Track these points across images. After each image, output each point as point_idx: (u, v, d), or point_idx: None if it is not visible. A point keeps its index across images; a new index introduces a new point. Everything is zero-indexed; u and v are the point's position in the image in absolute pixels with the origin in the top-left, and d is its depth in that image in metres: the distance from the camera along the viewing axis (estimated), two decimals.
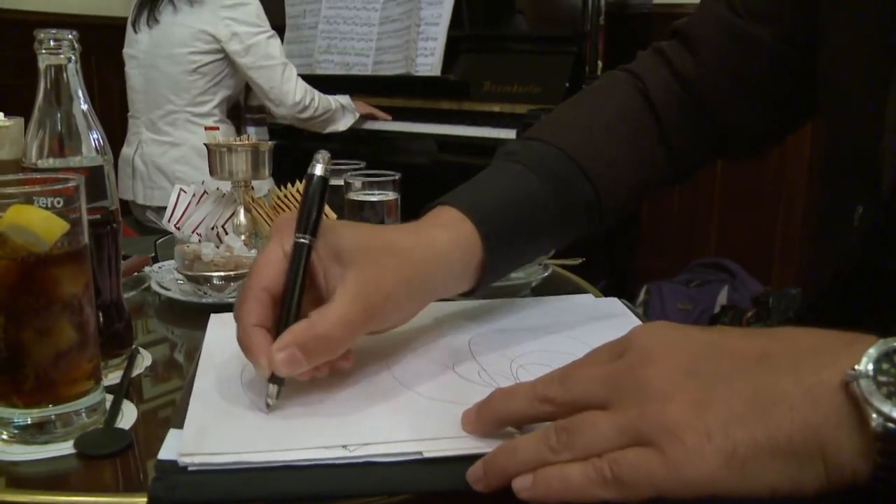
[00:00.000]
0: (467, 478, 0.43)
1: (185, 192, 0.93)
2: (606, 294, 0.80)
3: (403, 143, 2.38)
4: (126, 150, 2.11)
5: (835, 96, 0.64)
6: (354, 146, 2.32)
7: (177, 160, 2.00)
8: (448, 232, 0.60)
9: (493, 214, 0.62)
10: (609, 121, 0.71)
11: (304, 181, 0.55)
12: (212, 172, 0.90)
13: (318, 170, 0.55)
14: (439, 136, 2.30)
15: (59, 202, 0.49)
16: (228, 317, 0.66)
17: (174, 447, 0.46)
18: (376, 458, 0.46)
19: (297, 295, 0.53)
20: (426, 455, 0.46)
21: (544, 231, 0.66)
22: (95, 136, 0.60)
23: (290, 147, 2.26)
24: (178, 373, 0.67)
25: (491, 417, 0.47)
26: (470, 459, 0.44)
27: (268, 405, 0.51)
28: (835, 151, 0.66)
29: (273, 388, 0.51)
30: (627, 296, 2.62)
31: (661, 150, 0.73)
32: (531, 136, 0.71)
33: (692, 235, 2.67)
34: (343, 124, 2.25)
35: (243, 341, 0.51)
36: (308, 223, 0.54)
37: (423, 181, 2.22)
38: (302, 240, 0.53)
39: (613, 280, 2.55)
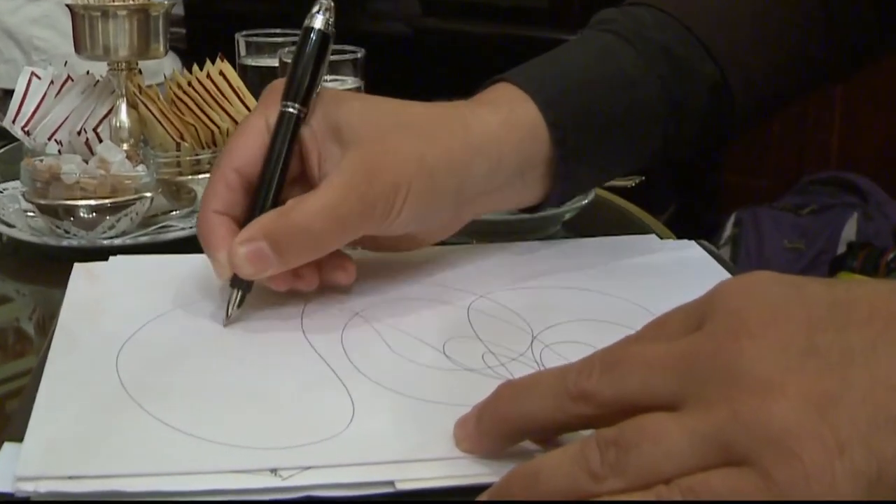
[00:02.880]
0: None
1: (38, 77, 0.91)
2: (675, 229, 0.80)
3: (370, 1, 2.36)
4: None
5: None
6: (291, 5, 2.30)
7: (35, 21, 1.98)
8: (499, 113, 0.64)
9: (568, 96, 0.66)
10: None
11: (300, 36, 0.61)
12: (78, 48, 0.90)
13: (318, 22, 0.61)
14: None
15: None
16: (101, 267, 0.69)
17: (9, 470, 0.45)
18: (323, 492, 0.45)
19: (276, 177, 0.59)
20: (400, 487, 0.46)
21: (647, 125, 0.70)
22: None
23: (200, 7, 2.24)
24: (27, 351, 0.67)
25: (497, 426, 0.46)
26: (468, 493, 0.44)
27: (227, 315, 0.58)
28: None
29: (235, 295, 0.58)
30: (707, 229, 2.67)
31: (820, 24, 0.75)
32: (635, 1, 0.75)
33: (804, 141, 2.66)
34: None
35: (201, 230, 0.59)
36: (299, 89, 0.60)
37: (401, 60, 2.23)
38: (289, 109, 0.60)
39: (685, 207, 2.57)
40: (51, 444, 0.47)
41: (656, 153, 0.73)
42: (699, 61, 0.71)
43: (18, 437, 0.48)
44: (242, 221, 0.59)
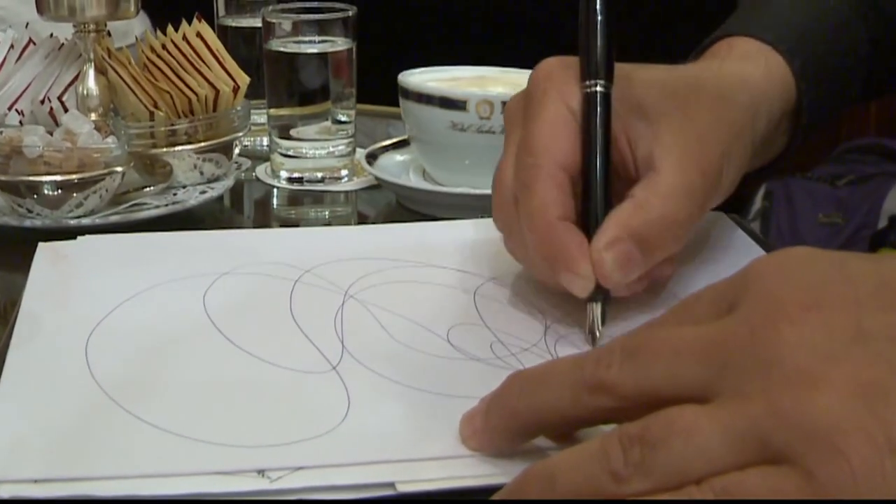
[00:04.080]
0: None
1: None
2: None
3: None
4: None
5: None
6: None
7: None
8: (759, 67, 0.68)
9: (802, 43, 0.71)
10: None
11: (582, 6, 0.61)
12: (41, 9, 0.90)
13: None
14: None
15: None
16: (68, 247, 0.69)
17: None
18: (315, 494, 0.45)
19: (605, 167, 0.58)
20: (401, 489, 0.45)
21: (855, 67, 0.76)
22: None
23: None
24: None
25: (507, 422, 0.46)
26: (475, 495, 0.45)
27: (593, 336, 0.57)
28: None
29: (597, 309, 0.57)
30: (735, 202, 2.67)
31: None
32: None
33: None
34: None
35: (550, 245, 0.56)
36: (601, 63, 0.60)
37: (396, 15, 2.22)
38: (598, 87, 0.59)
39: None
40: (14, 445, 0.47)
41: (859, 95, 0.79)
42: (890, 6, 0.77)
43: None
44: (582, 224, 0.57)
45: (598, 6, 0.62)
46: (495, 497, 0.42)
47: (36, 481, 0.45)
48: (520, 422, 0.46)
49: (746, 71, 0.67)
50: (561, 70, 0.61)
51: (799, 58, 0.69)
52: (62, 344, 0.56)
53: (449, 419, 0.48)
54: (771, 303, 0.41)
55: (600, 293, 0.57)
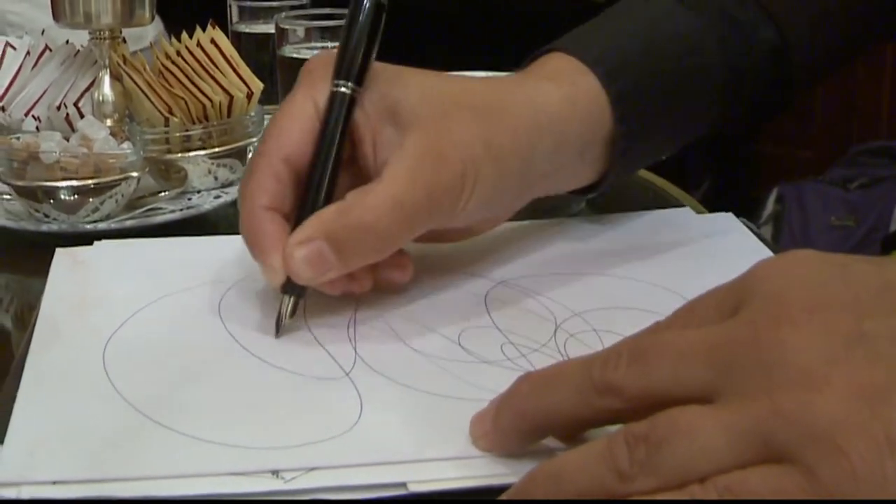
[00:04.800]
0: None
1: (13, 48, 0.92)
2: (711, 206, 0.80)
3: None
4: None
5: None
6: None
7: None
8: (561, 87, 0.64)
9: (628, 66, 0.67)
10: None
11: (350, 6, 0.61)
12: (57, 16, 0.90)
13: None
14: None
15: None
16: (86, 252, 0.70)
17: None
18: (329, 494, 0.46)
19: (330, 166, 0.58)
20: (413, 489, 0.46)
21: (706, 93, 0.71)
22: None
23: None
24: (3, 347, 0.67)
25: (517, 423, 0.47)
26: (485, 494, 0.45)
27: (277, 326, 0.58)
28: None
29: (287, 302, 0.58)
30: (748, 206, 2.67)
31: None
32: None
33: (851, 107, 2.66)
34: None
35: (248, 230, 0.58)
36: (352, 65, 0.59)
37: (410, 23, 2.23)
38: (343, 88, 0.59)
39: (722, 182, 2.57)
40: (34, 447, 0.48)
41: (713, 123, 0.75)
42: (759, 24, 0.73)
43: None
44: (294, 218, 0.58)
45: (363, 10, 0.60)
46: (503, 496, 0.43)
47: (55, 483, 0.45)
48: (529, 423, 0.47)
49: (542, 91, 0.64)
50: (322, 66, 0.61)
51: (618, 83, 0.66)
52: (80, 349, 0.57)
53: (460, 421, 0.49)
54: (774, 305, 0.41)
55: (294, 287, 0.57)
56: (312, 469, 0.47)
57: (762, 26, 0.73)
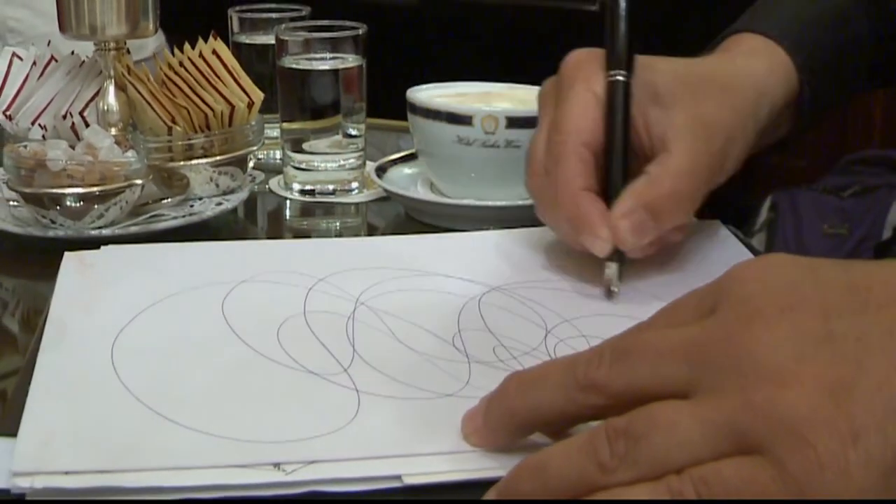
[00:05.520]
0: None
1: (19, 58, 0.93)
2: (705, 213, 0.80)
3: None
4: None
5: None
6: None
7: (8, 1, 1.99)
8: (763, 61, 0.75)
9: (805, 38, 0.78)
10: None
11: (609, 6, 0.70)
12: (63, 27, 0.90)
13: None
14: None
15: None
16: (93, 256, 0.71)
17: (4, 466, 0.48)
18: (328, 486, 0.47)
19: (623, 146, 0.67)
20: (407, 482, 0.48)
21: (859, 60, 0.83)
22: None
23: None
24: (11, 348, 0.69)
25: (505, 419, 0.48)
26: (476, 488, 0.46)
27: (611, 293, 0.65)
28: None
29: (614, 269, 0.65)
30: (742, 213, 2.64)
31: None
32: None
33: (845, 116, 2.65)
34: None
35: (572, 211, 0.65)
36: (622, 56, 0.68)
37: (405, 33, 2.24)
38: (619, 77, 0.67)
39: (716, 190, 2.55)
40: (46, 439, 0.49)
41: (861, 86, 0.86)
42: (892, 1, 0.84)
43: (11, 433, 0.50)
44: (604, 193, 0.65)
45: (621, 5, 0.70)
46: (492, 489, 0.44)
47: (67, 473, 0.47)
48: (517, 419, 0.48)
49: (752, 65, 0.74)
50: (588, 60, 0.69)
51: (801, 52, 0.76)
52: (89, 347, 0.58)
53: (452, 417, 0.50)
54: (747, 306, 0.43)
55: (617, 255, 0.65)
56: (312, 462, 0.48)
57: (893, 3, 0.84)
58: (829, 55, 0.79)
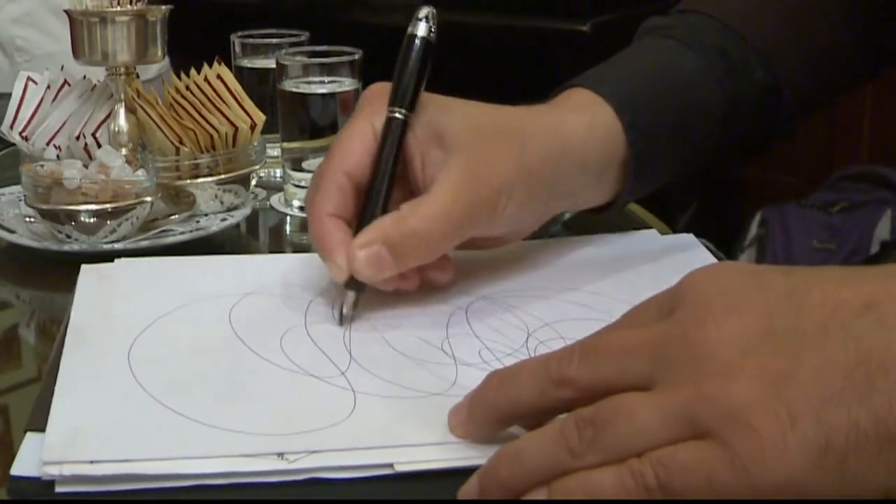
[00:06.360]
0: (459, 498, 0.48)
1: (34, 82, 0.95)
2: (697, 229, 0.84)
3: None
4: None
5: None
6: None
7: (16, 20, 2.01)
8: (582, 117, 0.73)
9: (639, 99, 0.75)
10: None
11: (404, 43, 0.69)
12: (76, 53, 0.93)
13: (421, 29, 0.69)
14: None
15: None
16: (109, 269, 0.75)
17: (35, 457, 0.52)
18: (327, 474, 0.51)
19: (386, 181, 0.66)
20: (399, 469, 0.52)
21: (706, 127, 0.79)
22: None
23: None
24: (30, 354, 0.73)
25: (487, 413, 0.52)
26: (461, 474, 0.49)
27: (341, 317, 0.65)
28: None
29: (350, 297, 0.65)
30: (732, 229, 2.63)
31: (848, 23, 0.85)
32: (685, 9, 0.84)
33: (833, 133, 2.65)
34: None
35: (317, 234, 0.66)
36: (406, 94, 0.67)
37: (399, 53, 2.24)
38: (397, 114, 0.67)
39: (707, 206, 2.57)
40: (72, 432, 0.53)
41: (711, 155, 0.82)
42: (752, 64, 0.80)
43: (40, 428, 0.54)
44: (355, 224, 0.66)
45: (415, 44, 0.69)
46: (475, 474, 0.48)
47: (91, 462, 0.51)
48: (497, 413, 0.52)
49: (570, 120, 0.72)
50: (379, 94, 0.69)
51: (630, 112, 0.73)
52: (109, 351, 0.62)
53: (440, 413, 0.54)
54: (700, 308, 0.47)
55: (355, 283, 0.65)
56: (313, 452, 0.52)
57: (755, 65, 0.80)
58: (667, 118, 0.76)
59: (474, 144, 0.67)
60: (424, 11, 0.69)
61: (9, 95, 0.96)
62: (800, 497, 0.42)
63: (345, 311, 0.65)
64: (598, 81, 0.75)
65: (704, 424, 0.44)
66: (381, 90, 0.69)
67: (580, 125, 0.72)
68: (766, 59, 0.80)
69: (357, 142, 0.68)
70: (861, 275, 0.46)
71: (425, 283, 0.69)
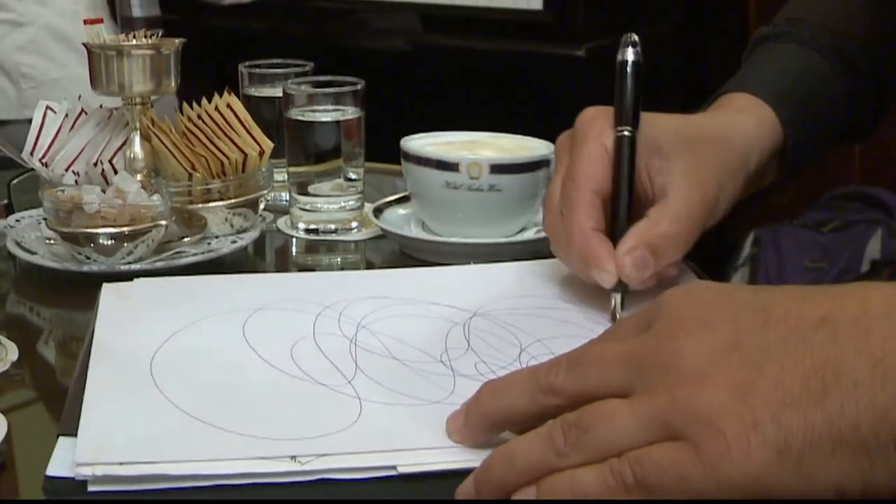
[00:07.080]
0: (456, 497, 0.52)
1: (52, 111, 0.98)
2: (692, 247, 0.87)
3: (367, 17, 2.44)
4: None
5: None
6: (289, 25, 2.34)
7: (21, 48, 2.04)
8: (752, 117, 0.84)
9: (787, 95, 0.87)
10: None
11: (617, 69, 0.78)
12: (94, 84, 0.96)
13: (630, 55, 0.78)
14: (425, 6, 2.37)
15: None
16: (129, 287, 0.78)
17: (67, 459, 0.55)
18: (336, 475, 0.55)
19: (628, 193, 0.74)
20: (402, 470, 0.55)
21: (836, 115, 0.92)
22: None
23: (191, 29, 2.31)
24: (49, 372, 0.77)
25: (481, 420, 0.56)
26: (458, 475, 0.53)
27: (613, 317, 0.72)
28: None
29: (617, 298, 0.72)
30: (726, 248, 2.62)
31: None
32: (790, 17, 0.96)
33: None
34: None
35: (583, 249, 0.73)
36: (629, 114, 0.76)
37: (402, 77, 2.26)
38: (626, 132, 0.75)
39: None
40: (102, 437, 0.57)
41: (837, 141, 0.97)
42: (860, 61, 0.92)
43: (71, 433, 0.58)
44: (611, 234, 0.73)
45: (628, 69, 0.77)
46: (471, 475, 0.52)
47: (121, 463, 0.55)
48: (490, 420, 0.56)
49: (742, 121, 0.83)
50: (600, 116, 0.77)
51: (785, 108, 0.85)
52: (132, 362, 0.66)
53: (439, 420, 0.58)
54: (674, 323, 0.50)
55: (620, 286, 0.72)
56: (323, 455, 0.56)
57: (862, 63, 0.92)
58: (810, 111, 0.87)
59: (688, 151, 0.76)
60: (630, 39, 0.78)
61: (16, 121, 0.98)
62: (762, 492, 0.46)
63: (617, 314, 0.72)
64: (755, 85, 0.86)
65: (677, 427, 0.47)
66: (596, 114, 0.77)
67: (752, 123, 0.83)
68: (869, 56, 0.92)
69: (595, 161, 0.75)
70: (821, 293, 0.50)
71: (661, 277, 0.75)
